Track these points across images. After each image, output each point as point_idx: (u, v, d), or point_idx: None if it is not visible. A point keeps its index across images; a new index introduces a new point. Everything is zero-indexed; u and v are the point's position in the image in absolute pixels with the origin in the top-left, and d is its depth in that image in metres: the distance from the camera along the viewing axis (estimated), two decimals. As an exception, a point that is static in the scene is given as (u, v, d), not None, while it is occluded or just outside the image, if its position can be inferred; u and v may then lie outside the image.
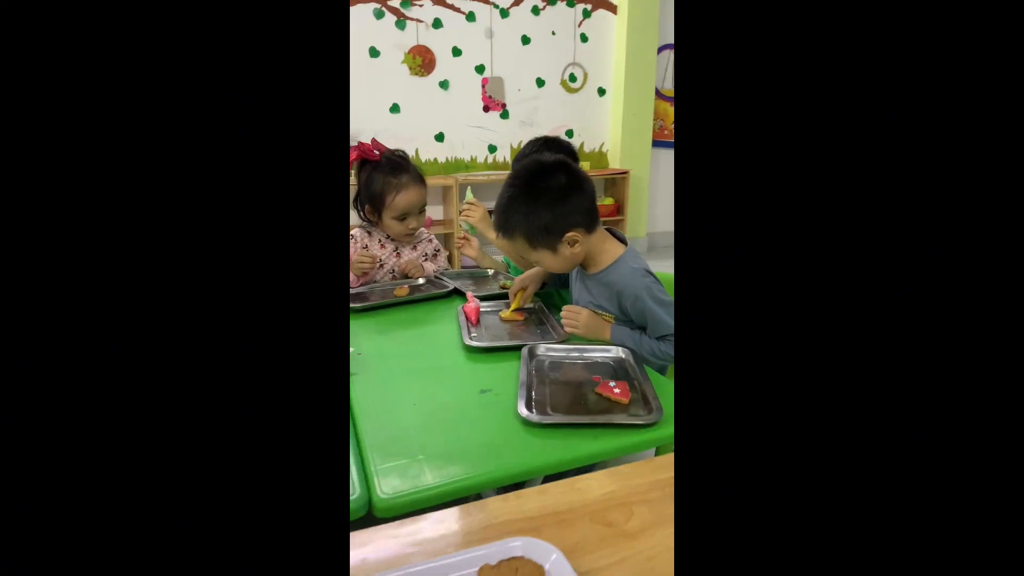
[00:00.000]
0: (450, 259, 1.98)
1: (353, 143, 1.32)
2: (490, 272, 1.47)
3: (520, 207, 0.97)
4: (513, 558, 0.48)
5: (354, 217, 1.39)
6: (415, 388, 0.84)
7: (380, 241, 1.43)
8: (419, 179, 1.37)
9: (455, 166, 3.51)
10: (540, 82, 3.57)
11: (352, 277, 1.34)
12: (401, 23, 3.21)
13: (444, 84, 3.38)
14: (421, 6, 3.22)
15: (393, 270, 1.44)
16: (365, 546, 0.51)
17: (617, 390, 0.80)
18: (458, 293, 1.30)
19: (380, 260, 1.41)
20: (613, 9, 3.56)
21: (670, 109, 3.89)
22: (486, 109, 3.51)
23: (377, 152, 1.34)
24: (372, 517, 0.58)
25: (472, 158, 3.54)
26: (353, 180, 1.38)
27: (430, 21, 3.25)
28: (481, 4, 3.33)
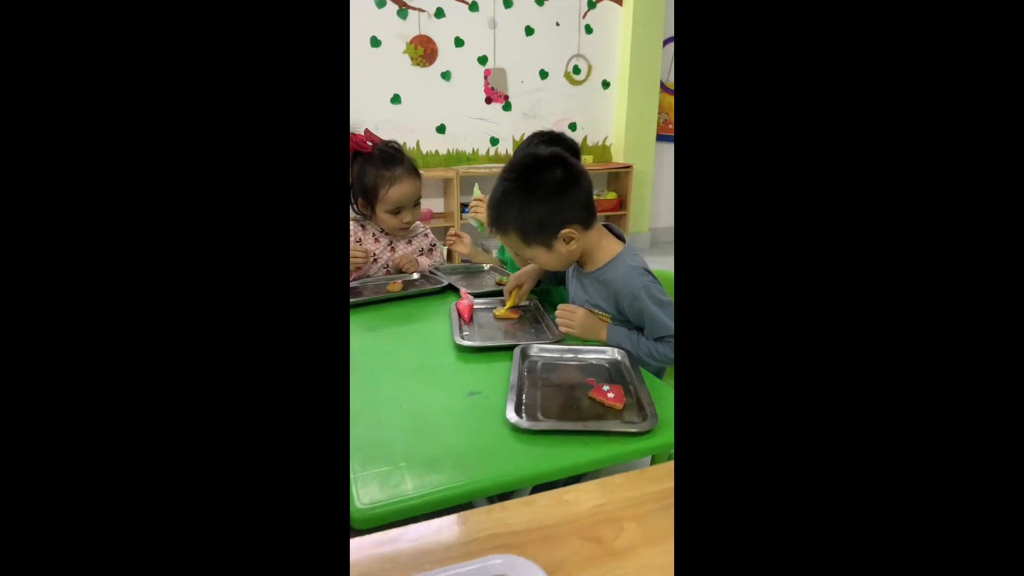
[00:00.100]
0: (450, 255, 1.94)
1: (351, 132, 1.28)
2: (486, 267, 1.44)
3: (514, 202, 0.94)
4: (492, 578, 0.45)
5: None
6: (402, 389, 0.81)
7: (374, 235, 1.40)
8: (413, 171, 1.33)
9: (456, 158, 3.47)
10: (543, 74, 3.52)
11: None
12: (403, 12, 3.16)
13: (446, 75, 3.33)
14: (423, -5, 3.18)
15: (387, 265, 1.41)
16: (336, 563, 0.48)
17: (611, 395, 0.76)
18: (452, 289, 1.27)
19: (374, 254, 1.38)
20: (619, 0, 3.50)
21: (675, 103, 3.83)
22: (488, 101, 3.46)
23: (370, 144, 1.30)
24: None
25: (474, 150, 3.50)
26: None
27: (432, 11, 3.20)
28: (484, -7, 3.28)
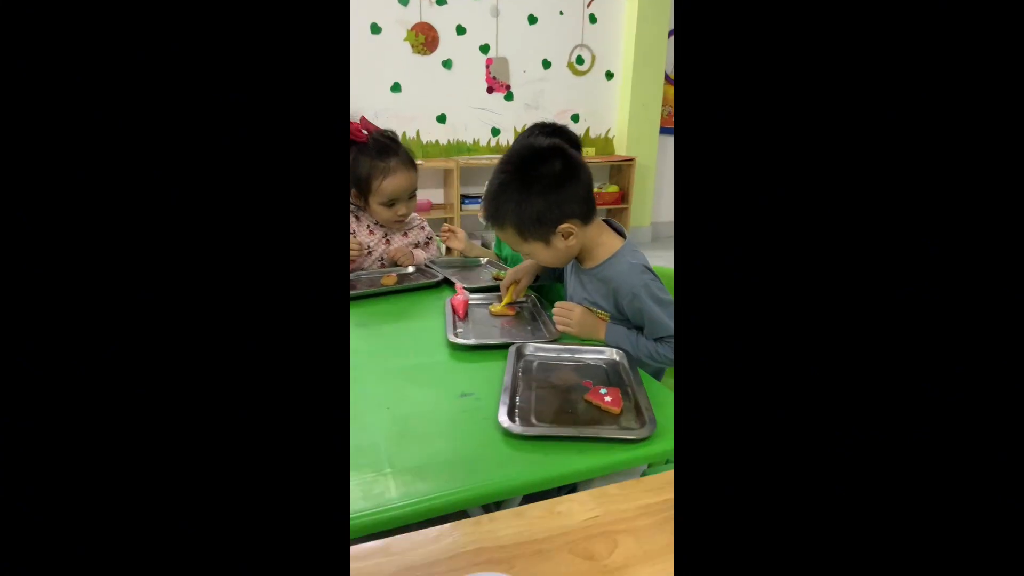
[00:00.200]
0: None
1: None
2: (483, 261, 1.40)
3: (511, 195, 0.90)
4: (476, 602, 0.42)
5: None
6: (391, 389, 0.78)
7: (369, 227, 1.37)
8: (409, 163, 1.29)
9: (457, 148, 3.43)
10: (546, 64, 3.46)
11: None
12: (404, -1, 3.10)
13: (447, 63, 3.28)
14: (425, -19, 3.12)
15: (382, 257, 1.37)
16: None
17: (608, 398, 0.73)
18: (448, 283, 1.24)
19: (368, 247, 1.35)
20: (624, -11, 3.44)
21: (680, 95, 3.78)
22: (490, 90, 3.41)
23: (365, 132, 1.26)
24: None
25: (475, 141, 3.46)
26: None
27: (434, -3, 3.15)
28: (487, -20, 3.22)
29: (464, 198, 3.34)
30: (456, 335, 0.94)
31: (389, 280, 1.23)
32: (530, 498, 0.64)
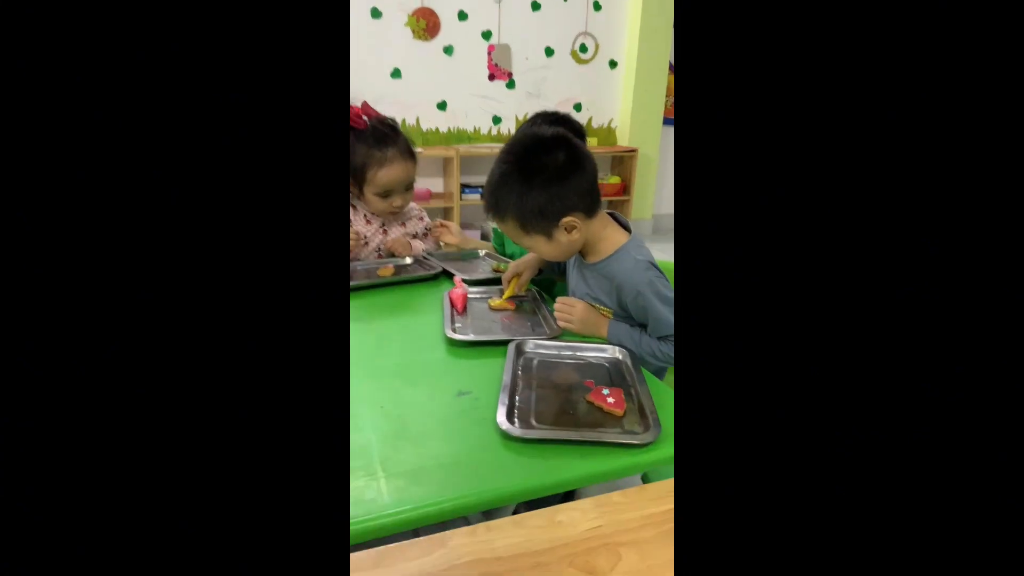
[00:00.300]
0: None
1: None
2: (481, 253, 1.37)
3: (513, 186, 0.87)
4: (470, 623, 0.40)
5: None
6: (385, 387, 0.76)
7: (365, 216, 1.33)
8: (407, 153, 1.24)
9: (457, 136, 3.38)
10: (549, 51, 3.41)
11: None
12: (405, -18, 3.04)
13: (448, 50, 3.22)
14: (426, -36, 3.05)
15: (379, 248, 1.34)
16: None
17: (611, 399, 0.71)
18: (447, 275, 1.21)
19: (364, 237, 1.31)
20: (629, -24, 3.38)
21: (684, 85, 3.73)
22: (491, 78, 3.36)
23: (366, 118, 1.22)
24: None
25: (475, 129, 3.41)
26: None
27: (435, -19, 3.08)
28: (490, -35, 3.15)
29: (464, 187, 3.30)
30: (454, 330, 0.91)
31: (386, 272, 1.20)
32: (527, 503, 0.62)
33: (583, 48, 3.47)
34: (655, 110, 3.59)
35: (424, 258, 1.29)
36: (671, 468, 0.67)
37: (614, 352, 0.85)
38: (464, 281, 1.10)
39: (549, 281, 1.19)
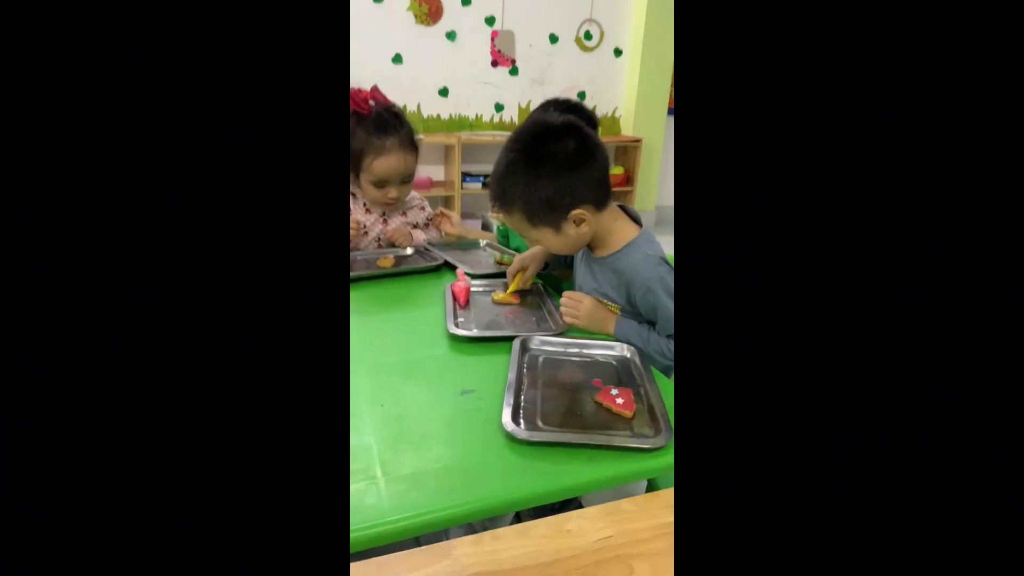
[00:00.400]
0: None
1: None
2: (482, 243, 1.34)
3: (520, 176, 0.83)
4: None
5: None
6: (385, 385, 0.73)
7: (365, 205, 1.30)
8: (408, 145, 1.19)
9: (459, 124, 3.33)
10: (553, 38, 3.35)
11: None
12: (407, -35, 2.97)
13: (451, 35, 3.16)
14: (429, -53, 2.98)
15: (379, 238, 1.31)
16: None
17: (620, 400, 0.68)
18: (449, 267, 1.18)
19: (364, 226, 1.28)
20: (636, -39, 3.31)
21: (690, 75, 3.67)
22: (494, 64, 3.30)
23: (372, 103, 1.18)
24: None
25: (477, 116, 3.36)
26: None
27: (438, -36, 3.02)
28: (494, -52, 3.09)
29: (465, 175, 3.26)
30: (457, 325, 0.88)
31: (386, 262, 1.17)
32: (534, 509, 0.59)
33: (588, 35, 3.41)
34: (660, 100, 3.53)
35: (425, 249, 1.26)
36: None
37: (622, 350, 0.82)
38: (467, 274, 1.07)
39: (554, 280, 1.16)
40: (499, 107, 3.38)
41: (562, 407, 0.68)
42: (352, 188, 1.28)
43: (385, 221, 1.31)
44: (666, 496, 0.54)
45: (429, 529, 0.51)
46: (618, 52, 3.50)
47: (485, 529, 0.51)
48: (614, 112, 3.61)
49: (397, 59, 3.12)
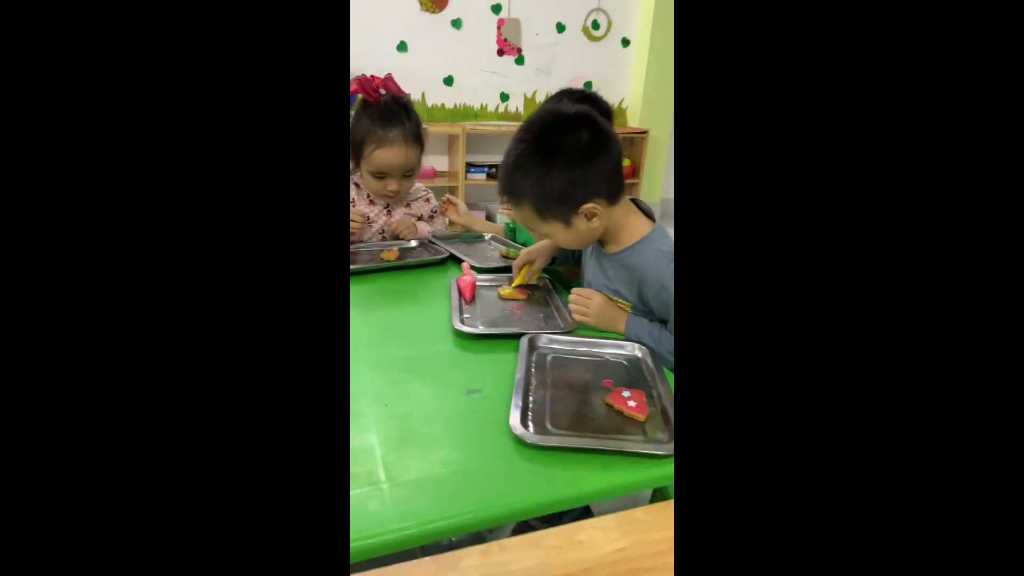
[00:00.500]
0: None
1: (352, 78, 1.13)
2: (487, 236, 1.31)
3: (531, 168, 0.80)
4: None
5: None
6: (390, 383, 0.70)
7: (369, 196, 1.27)
8: (412, 138, 1.15)
9: (463, 113, 3.29)
10: (560, 27, 3.29)
11: None
12: (413, -49, 2.92)
13: (456, 23, 3.11)
14: (436, -68, 2.92)
15: (383, 230, 1.28)
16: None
17: (632, 403, 0.66)
18: (454, 260, 1.15)
19: (368, 217, 1.25)
20: (646, -51, 3.25)
21: (698, 66, 3.62)
22: (500, 53, 3.25)
23: (383, 92, 1.14)
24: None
25: (482, 106, 3.31)
26: None
27: (445, -50, 2.96)
28: (502, -66, 3.03)
29: (469, 166, 3.22)
30: (462, 321, 0.85)
31: (390, 255, 1.14)
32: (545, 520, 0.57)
33: (595, 25, 3.35)
34: (667, 91, 3.48)
35: (430, 242, 1.24)
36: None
37: (633, 349, 0.80)
38: (473, 268, 1.04)
39: (561, 277, 1.13)
40: (504, 97, 3.34)
41: (572, 409, 0.66)
42: (356, 178, 1.25)
43: (389, 212, 1.28)
44: (682, 505, 0.51)
45: (435, 538, 0.49)
46: (626, 42, 3.44)
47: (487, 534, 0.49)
48: (621, 103, 3.56)
49: (402, 47, 3.07)
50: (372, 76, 1.14)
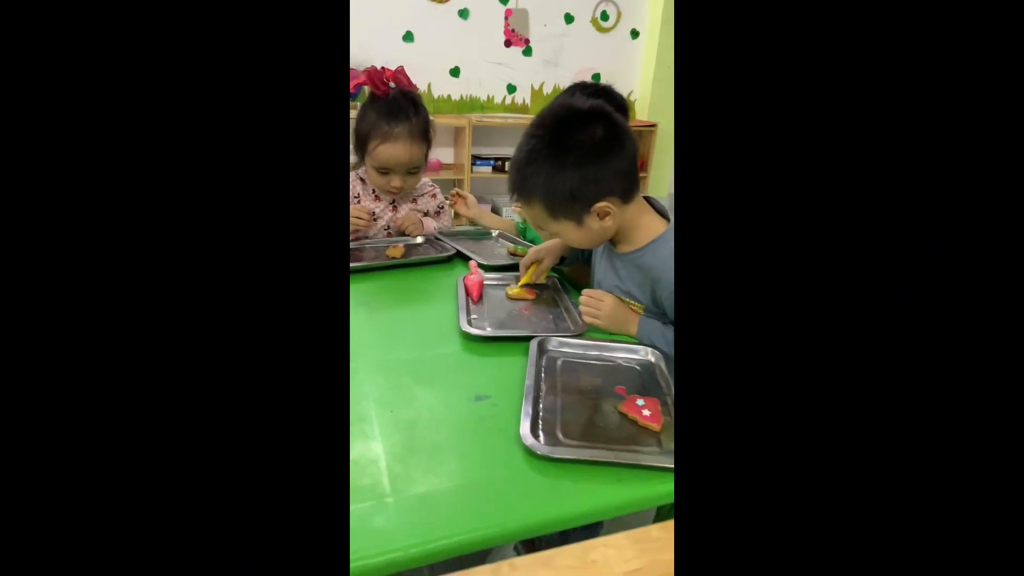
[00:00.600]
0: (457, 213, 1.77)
1: (361, 69, 1.10)
2: (494, 233, 1.28)
3: (542, 165, 0.77)
4: None
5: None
6: (395, 388, 0.68)
7: (374, 191, 1.24)
8: (418, 136, 1.11)
9: (470, 105, 3.25)
10: (569, 18, 3.24)
11: None
12: (420, -61, 2.87)
13: (463, 13, 3.07)
14: (443, -80, 2.87)
15: (388, 225, 1.25)
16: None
17: (647, 412, 0.63)
18: (461, 257, 1.13)
19: (374, 213, 1.23)
20: (657, -61, 3.19)
21: (708, 58, 3.57)
22: (508, 44, 3.20)
23: (393, 85, 1.11)
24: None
25: (489, 97, 3.27)
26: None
27: (452, -61, 2.91)
28: (510, -78, 2.97)
29: (476, 159, 3.18)
30: (470, 323, 0.83)
31: (396, 251, 1.12)
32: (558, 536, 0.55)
33: (604, 16, 3.30)
34: (677, 84, 3.43)
35: (436, 238, 1.21)
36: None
37: (646, 354, 0.77)
38: (480, 266, 1.01)
39: (568, 279, 1.10)
40: (511, 88, 3.30)
41: (583, 417, 0.64)
42: (361, 172, 1.22)
43: (395, 208, 1.26)
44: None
45: (442, 557, 0.47)
46: (635, 34, 3.39)
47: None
48: (629, 96, 3.51)
49: (408, 37, 3.03)
50: (383, 68, 1.11)
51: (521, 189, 0.80)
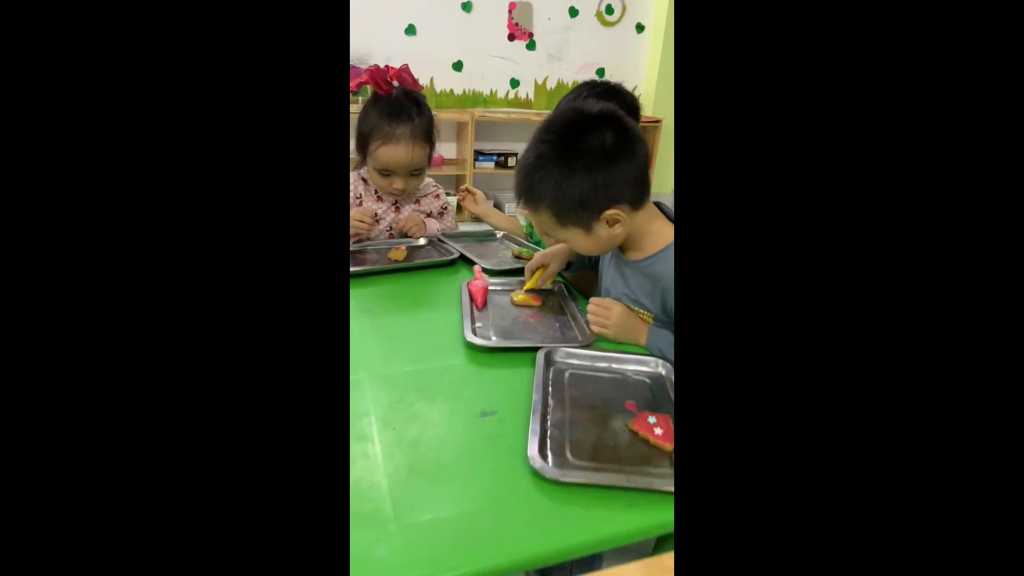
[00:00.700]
0: (459, 209, 1.74)
1: (363, 66, 1.06)
2: (499, 235, 1.26)
3: (551, 171, 0.75)
4: None
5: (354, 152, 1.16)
6: (397, 402, 0.66)
7: (376, 192, 1.21)
8: (421, 137, 1.09)
9: (472, 100, 3.21)
10: (573, 12, 3.20)
11: None
12: (423, -70, 2.83)
13: (467, 6, 3.03)
14: (446, -90, 2.83)
15: (391, 227, 1.23)
16: None
17: (659, 430, 0.61)
18: (465, 260, 1.10)
19: (376, 215, 1.20)
20: (664, -70, 3.14)
21: (714, 53, 3.53)
22: (511, 38, 3.16)
23: (396, 84, 1.08)
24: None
25: (492, 92, 3.24)
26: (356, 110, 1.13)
27: (455, -70, 2.87)
28: (515, -87, 2.92)
29: (478, 154, 3.15)
30: (474, 332, 0.80)
31: (398, 254, 1.09)
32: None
33: (609, 10, 3.25)
34: (682, 79, 3.39)
35: (439, 240, 1.18)
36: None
37: (656, 366, 0.75)
38: (484, 271, 0.99)
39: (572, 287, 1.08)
40: (515, 83, 3.26)
41: (593, 436, 0.61)
42: (363, 173, 1.20)
43: (397, 209, 1.23)
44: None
45: (448, 589, 0.44)
46: (640, 28, 3.35)
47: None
48: (634, 91, 3.47)
49: (411, 30, 2.99)
50: (387, 67, 1.08)
51: (528, 195, 0.78)
